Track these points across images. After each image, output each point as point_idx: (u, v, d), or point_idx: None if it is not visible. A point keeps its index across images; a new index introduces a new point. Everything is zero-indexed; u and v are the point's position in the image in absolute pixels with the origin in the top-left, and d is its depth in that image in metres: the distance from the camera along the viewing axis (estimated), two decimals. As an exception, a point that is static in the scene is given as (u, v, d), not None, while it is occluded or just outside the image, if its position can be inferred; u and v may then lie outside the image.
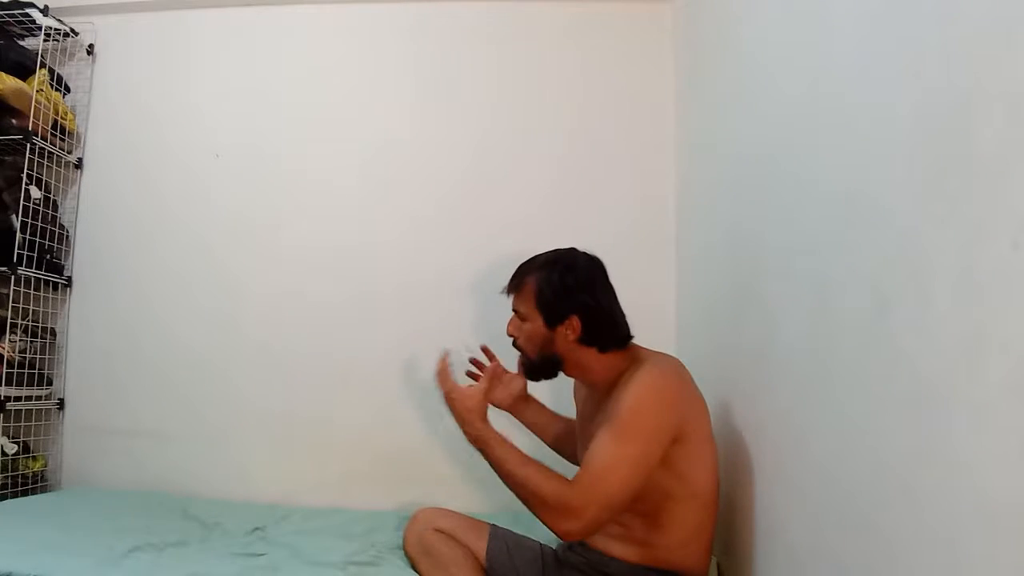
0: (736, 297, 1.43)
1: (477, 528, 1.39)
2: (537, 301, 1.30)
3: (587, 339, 1.29)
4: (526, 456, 1.18)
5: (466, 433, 1.22)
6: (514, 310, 1.36)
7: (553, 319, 1.29)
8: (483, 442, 1.20)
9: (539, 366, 1.35)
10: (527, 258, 1.37)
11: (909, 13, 0.76)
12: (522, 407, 1.58)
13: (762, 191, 1.27)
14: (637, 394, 1.18)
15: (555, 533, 1.14)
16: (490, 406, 1.50)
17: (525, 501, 1.16)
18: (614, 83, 2.13)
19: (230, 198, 2.17)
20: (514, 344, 1.37)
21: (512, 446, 1.20)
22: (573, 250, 1.35)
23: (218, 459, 2.06)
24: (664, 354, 1.31)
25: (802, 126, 1.08)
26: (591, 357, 1.30)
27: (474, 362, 1.59)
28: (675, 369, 1.27)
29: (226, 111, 2.21)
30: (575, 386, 1.51)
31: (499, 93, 2.16)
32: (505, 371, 1.55)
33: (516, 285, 1.35)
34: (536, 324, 1.31)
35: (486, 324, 2.00)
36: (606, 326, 1.30)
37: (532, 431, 1.61)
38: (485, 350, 1.59)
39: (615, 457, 1.13)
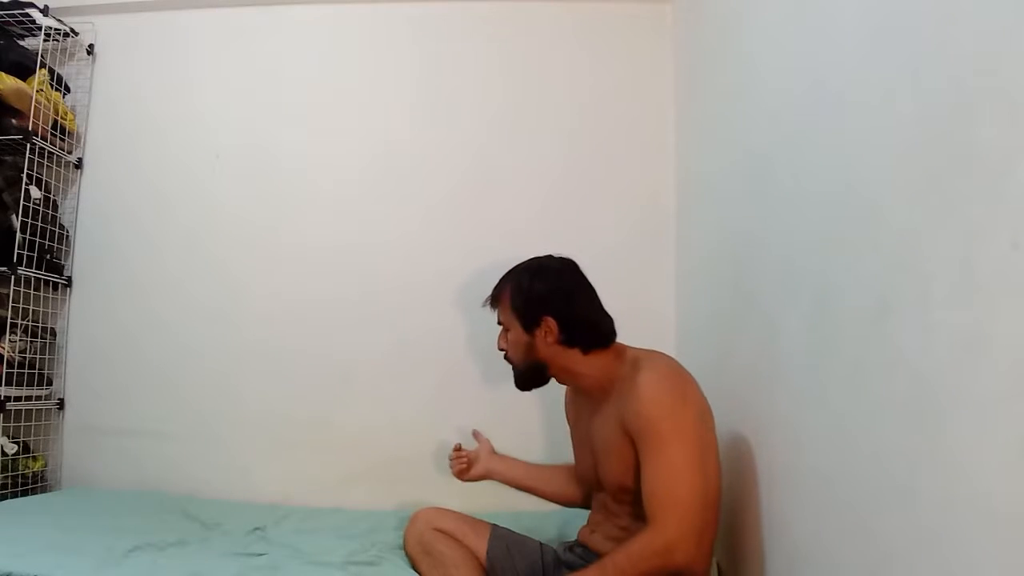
0: (736, 297, 1.43)
1: (477, 528, 1.39)
2: (512, 307, 1.33)
3: (567, 340, 1.29)
4: (605, 560, 1.15)
5: None
6: (498, 323, 1.38)
7: (529, 323, 1.31)
8: None
9: (527, 374, 1.36)
10: (509, 266, 1.39)
11: (909, 13, 0.76)
12: (497, 465, 1.54)
13: (762, 191, 1.27)
14: (651, 399, 1.17)
15: (678, 571, 1.11)
16: (471, 481, 1.52)
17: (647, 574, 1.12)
18: (614, 83, 2.13)
19: (230, 198, 2.17)
20: (505, 357, 1.38)
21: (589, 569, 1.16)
22: (548, 256, 1.37)
23: (218, 459, 2.06)
24: (656, 352, 1.31)
25: (802, 126, 1.08)
26: (575, 359, 1.31)
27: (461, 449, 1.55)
28: (675, 365, 1.26)
29: (226, 111, 2.21)
30: (566, 402, 1.50)
31: (499, 93, 2.16)
32: (468, 451, 1.55)
33: (495, 297, 1.38)
34: (516, 331, 1.33)
35: (486, 324, 2.00)
36: (584, 326, 1.30)
37: (519, 487, 1.55)
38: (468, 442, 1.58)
39: (668, 470, 1.13)
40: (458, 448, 1.55)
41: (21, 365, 2.00)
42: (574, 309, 1.30)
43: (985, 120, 0.62)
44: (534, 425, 1.97)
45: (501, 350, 1.38)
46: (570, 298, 1.31)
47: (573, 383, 1.38)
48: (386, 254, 2.10)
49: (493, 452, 1.56)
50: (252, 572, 1.33)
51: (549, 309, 1.29)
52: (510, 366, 1.38)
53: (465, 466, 1.52)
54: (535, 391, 1.39)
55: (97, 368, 2.15)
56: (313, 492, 1.97)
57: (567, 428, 1.50)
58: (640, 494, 1.17)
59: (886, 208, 0.80)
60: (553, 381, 1.38)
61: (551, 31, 2.16)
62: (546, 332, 1.29)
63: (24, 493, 1.98)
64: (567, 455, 1.50)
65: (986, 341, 0.61)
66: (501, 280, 1.38)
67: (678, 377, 1.23)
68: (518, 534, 1.40)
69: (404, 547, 1.43)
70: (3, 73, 2.01)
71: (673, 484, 1.13)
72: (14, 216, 2.01)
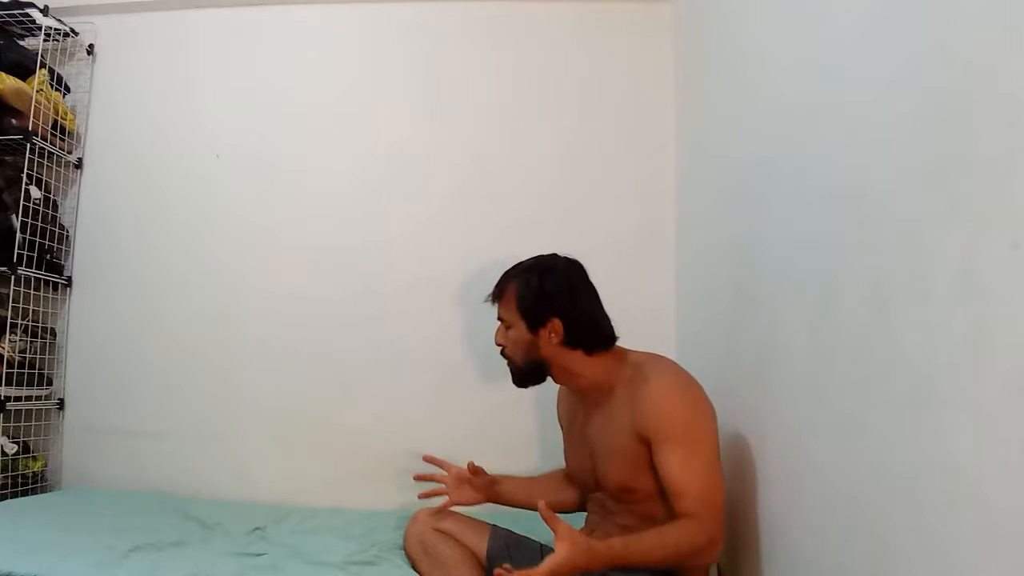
0: (736, 297, 1.43)
1: (477, 528, 1.39)
2: (518, 306, 1.30)
3: (571, 341, 1.29)
4: (638, 535, 1.12)
5: (596, 568, 1.08)
6: (499, 318, 1.36)
7: (534, 323, 1.29)
8: (611, 557, 1.08)
9: (526, 372, 1.34)
10: (511, 265, 1.37)
11: (909, 13, 0.76)
12: (498, 489, 1.51)
13: (762, 191, 1.27)
14: (672, 403, 1.19)
15: (706, 564, 1.19)
16: (463, 507, 1.46)
17: (671, 562, 1.14)
18: (614, 83, 2.13)
19: (230, 198, 2.17)
20: (502, 353, 1.36)
21: (625, 540, 1.12)
22: (553, 255, 1.35)
23: (218, 459, 2.06)
24: (658, 355, 1.31)
25: (802, 126, 1.08)
26: (578, 360, 1.30)
27: (428, 459, 1.52)
28: (682, 370, 1.27)
29: (226, 111, 2.21)
30: (558, 401, 1.50)
31: (499, 93, 2.16)
32: (460, 469, 1.48)
33: (498, 293, 1.35)
34: (520, 330, 1.31)
35: (485, 323, 1.99)
36: (588, 327, 1.30)
37: (521, 506, 1.50)
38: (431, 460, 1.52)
39: (700, 468, 1.15)
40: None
41: (21, 365, 2.01)
42: (580, 311, 1.29)
43: (985, 120, 0.62)
44: (531, 426, 1.97)
45: (499, 345, 1.36)
46: (576, 300, 1.30)
47: (572, 383, 1.37)
48: (386, 254, 2.10)
49: (493, 483, 1.50)
50: (252, 572, 1.33)
51: (556, 310, 1.28)
52: (507, 362, 1.36)
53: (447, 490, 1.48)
54: (534, 392, 1.39)
55: (97, 368, 2.15)
56: (313, 492, 1.97)
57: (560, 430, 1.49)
58: (644, 493, 1.21)
59: (886, 207, 0.79)
60: (549, 380, 1.37)
61: (551, 31, 2.16)
62: (551, 332, 1.28)
63: (24, 493, 1.98)
64: (562, 457, 1.49)
65: (986, 341, 0.61)
66: (505, 276, 1.36)
67: (690, 382, 1.24)
68: (518, 534, 1.39)
69: (404, 547, 1.43)
70: (3, 73, 2.01)
71: (712, 485, 1.15)
72: (14, 216, 2.01)
